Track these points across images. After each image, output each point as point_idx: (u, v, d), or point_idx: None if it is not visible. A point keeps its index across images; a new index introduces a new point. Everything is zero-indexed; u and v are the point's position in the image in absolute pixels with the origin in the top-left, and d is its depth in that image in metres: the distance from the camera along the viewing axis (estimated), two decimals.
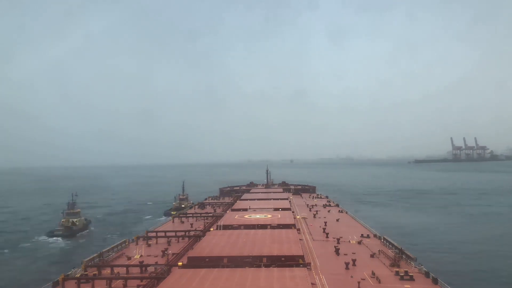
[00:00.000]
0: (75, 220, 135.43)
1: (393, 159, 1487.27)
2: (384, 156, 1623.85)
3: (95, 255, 57.55)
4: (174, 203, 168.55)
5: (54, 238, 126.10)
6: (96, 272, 49.84)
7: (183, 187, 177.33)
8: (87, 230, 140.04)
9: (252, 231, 69.46)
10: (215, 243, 58.90)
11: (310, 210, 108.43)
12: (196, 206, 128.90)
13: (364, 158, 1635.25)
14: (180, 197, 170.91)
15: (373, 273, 46.34)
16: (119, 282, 45.31)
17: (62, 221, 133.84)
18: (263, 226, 75.39)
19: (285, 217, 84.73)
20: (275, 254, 51.38)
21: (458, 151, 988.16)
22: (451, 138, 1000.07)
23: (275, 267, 47.28)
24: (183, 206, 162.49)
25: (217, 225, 79.56)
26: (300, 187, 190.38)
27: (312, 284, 41.85)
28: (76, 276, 48.88)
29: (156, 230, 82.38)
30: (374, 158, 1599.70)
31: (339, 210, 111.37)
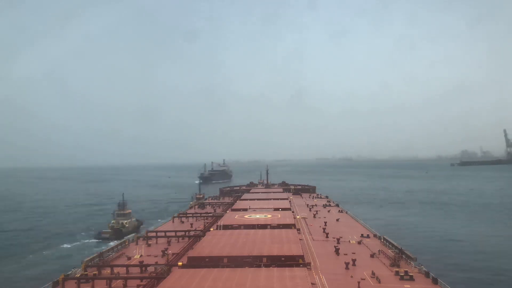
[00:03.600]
0: (125, 222, 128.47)
1: (396, 159, 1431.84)
2: (386, 157, 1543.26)
3: (95, 255, 57.63)
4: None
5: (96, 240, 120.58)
6: (96, 272, 49.86)
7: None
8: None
9: (252, 231, 69.36)
10: (215, 243, 58.86)
11: (310, 210, 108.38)
12: (196, 206, 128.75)
13: (363, 158, 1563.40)
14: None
15: (373, 273, 46.32)
16: (119, 282, 45.29)
17: (112, 222, 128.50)
18: (263, 226, 75.30)
19: (285, 217, 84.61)
20: (275, 254, 51.33)
21: None
22: (505, 131, 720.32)
23: (275, 267, 47.22)
24: None
25: (217, 225, 79.50)
26: (300, 187, 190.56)
27: (312, 284, 41.85)
28: (76, 276, 48.90)
29: (156, 230, 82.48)
30: (375, 158, 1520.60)
31: (339, 210, 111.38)
